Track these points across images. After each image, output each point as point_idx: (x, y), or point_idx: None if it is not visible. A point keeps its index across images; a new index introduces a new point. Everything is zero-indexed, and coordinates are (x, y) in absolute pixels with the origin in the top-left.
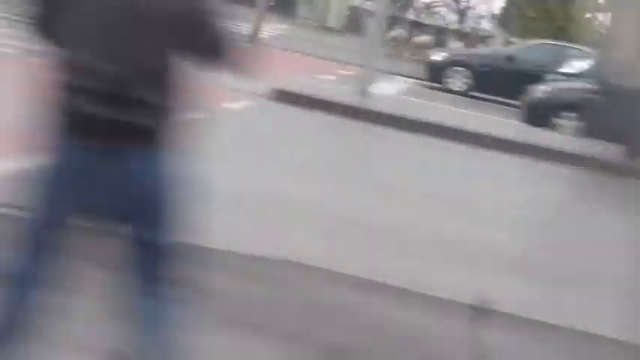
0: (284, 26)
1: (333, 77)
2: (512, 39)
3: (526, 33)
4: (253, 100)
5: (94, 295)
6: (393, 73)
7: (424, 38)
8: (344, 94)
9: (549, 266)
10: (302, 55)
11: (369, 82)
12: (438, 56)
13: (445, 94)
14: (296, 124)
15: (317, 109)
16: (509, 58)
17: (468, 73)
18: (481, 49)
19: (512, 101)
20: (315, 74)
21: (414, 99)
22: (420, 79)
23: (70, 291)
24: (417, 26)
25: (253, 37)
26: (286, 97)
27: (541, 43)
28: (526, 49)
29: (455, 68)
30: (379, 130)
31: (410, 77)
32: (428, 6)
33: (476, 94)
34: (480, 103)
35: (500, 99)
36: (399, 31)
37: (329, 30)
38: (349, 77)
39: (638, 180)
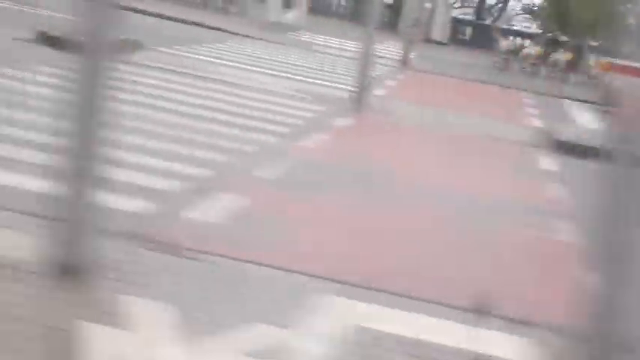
0: (391, 42)
1: (535, 111)
2: None
3: None
4: (539, 153)
5: None
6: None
7: (534, 49)
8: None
9: None
10: (460, 79)
11: None
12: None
13: None
14: None
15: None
16: None
17: None
18: None
19: None
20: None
21: None
22: (593, 102)
23: None
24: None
25: (405, 62)
26: (562, 146)
27: None
28: None
29: None
30: None
31: (582, 101)
32: (524, 11)
33: None
34: None
35: None
36: (508, 42)
37: (435, 43)
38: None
39: None
